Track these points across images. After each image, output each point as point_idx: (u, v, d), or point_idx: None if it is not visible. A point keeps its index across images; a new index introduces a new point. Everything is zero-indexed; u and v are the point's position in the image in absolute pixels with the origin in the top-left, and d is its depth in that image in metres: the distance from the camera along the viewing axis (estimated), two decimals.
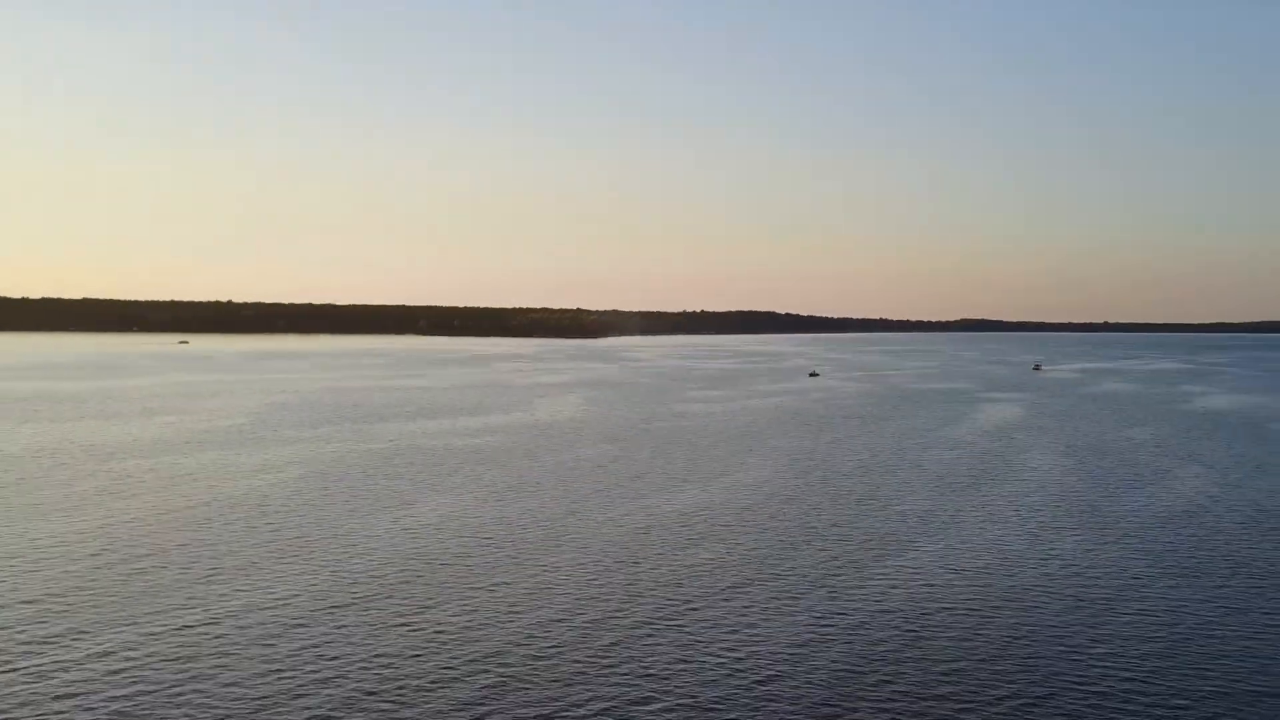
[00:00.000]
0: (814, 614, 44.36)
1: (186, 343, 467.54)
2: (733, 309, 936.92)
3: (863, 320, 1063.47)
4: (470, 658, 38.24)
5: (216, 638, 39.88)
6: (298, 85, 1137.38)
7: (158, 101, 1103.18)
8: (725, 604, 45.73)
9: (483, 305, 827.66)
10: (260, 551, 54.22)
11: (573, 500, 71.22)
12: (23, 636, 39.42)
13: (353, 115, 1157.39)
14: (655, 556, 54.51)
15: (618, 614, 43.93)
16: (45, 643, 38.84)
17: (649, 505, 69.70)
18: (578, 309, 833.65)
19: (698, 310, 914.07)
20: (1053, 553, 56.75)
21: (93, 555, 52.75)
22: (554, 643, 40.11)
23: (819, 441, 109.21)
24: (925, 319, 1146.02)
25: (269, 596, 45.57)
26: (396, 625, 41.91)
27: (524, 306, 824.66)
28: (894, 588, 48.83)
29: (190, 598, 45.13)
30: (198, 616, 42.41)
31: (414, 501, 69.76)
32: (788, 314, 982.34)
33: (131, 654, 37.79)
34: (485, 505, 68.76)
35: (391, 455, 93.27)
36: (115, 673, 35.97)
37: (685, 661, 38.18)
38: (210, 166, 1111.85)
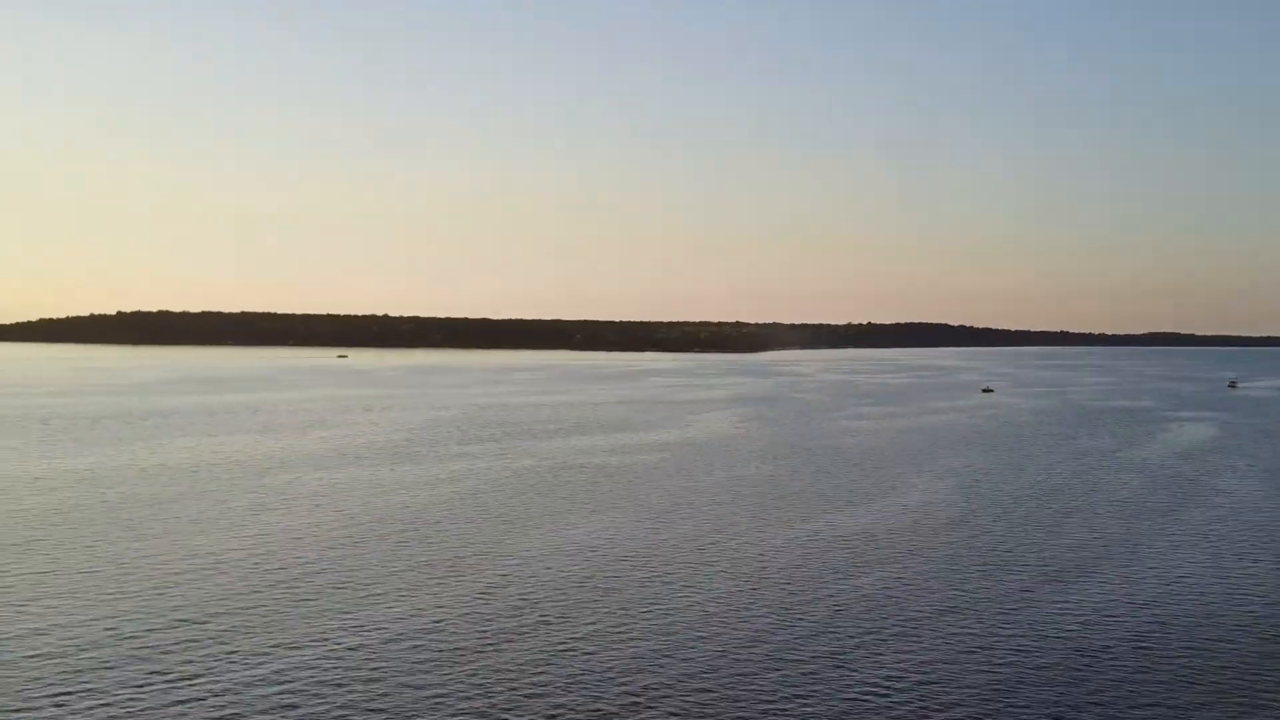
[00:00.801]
0: (981, 644, 43.25)
1: (345, 357, 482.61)
2: (901, 320, 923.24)
3: (1041, 333, 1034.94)
4: (623, 682, 38.41)
5: (371, 656, 40.96)
6: (468, 104, 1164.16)
7: (327, 121, 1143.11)
8: (889, 631, 44.95)
9: (638, 319, 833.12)
10: (413, 569, 55.51)
11: (728, 521, 71.01)
12: (178, 652, 41.11)
13: (507, 133, 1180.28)
14: (814, 582, 53.94)
15: (774, 640, 43.58)
16: (200, 659, 40.46)
17: (808, 528, 69.03)
18: (736, 322, 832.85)
19: (864, 322, 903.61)
20: (1247, 587, 54.18)
21: (248, 571, 54.79)
22: (708, 668, 40.01)
23: (991, 461, 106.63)
24: (1109, 332, 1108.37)
25: (422, 615, 46.59)
26: (547, 648, 42.38)
27: (680, 320, 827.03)
28: (1067, 619, 47.28)
29: (344, 615, 46.45)
30: (352, 635, 43.61)
31: (566, 520, 70.52)
32: (961, 326, 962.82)
33: (287, 672, 39.08)
34: (638, 525, 69.08)
35: (544, 473, 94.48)
36: (270, 692, 37.25)
37: (845, 690, 37.66)
38: (371, 182, 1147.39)
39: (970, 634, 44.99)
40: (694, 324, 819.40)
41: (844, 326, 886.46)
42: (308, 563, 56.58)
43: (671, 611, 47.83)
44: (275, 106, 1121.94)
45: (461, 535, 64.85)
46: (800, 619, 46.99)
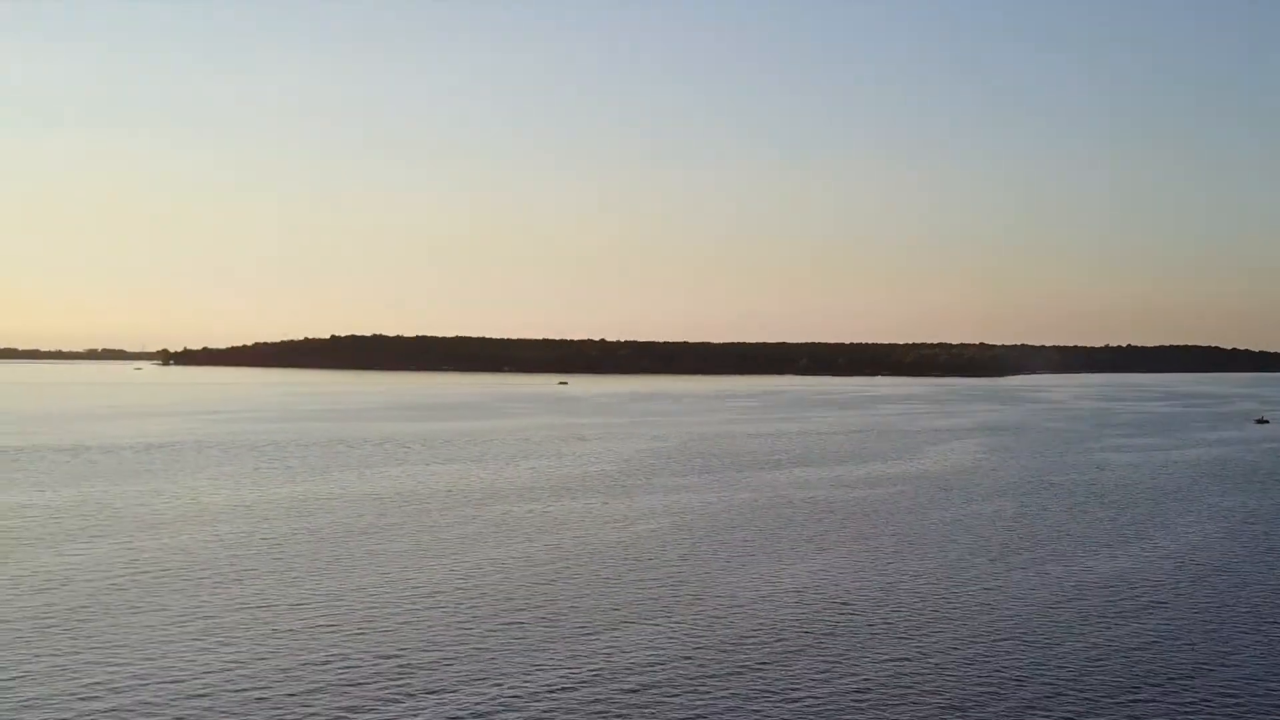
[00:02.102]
0: (1255, 702, 40.83)
1: (566, 383, 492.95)
2: (1166, 343, 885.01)
3: None
4: None
5: (581, 696, 41.53)
6: (673, 128, 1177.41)
7: (537, 145, 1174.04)
8: (1147, 693, 42.93)
9: (870, 341, 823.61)
10: (622, 608, 56.05)
11: (964, 564, 69.26)
12: (382, 690, 42.55)
13: (727, 151, 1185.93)
14: (1059, 634, 52.00)
15: (1014, 698, 42.18)
16: (408, 697, 41.78)
17: (1055, 572, 66.67)
18: (979, 344, 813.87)
19: (1123, 345, 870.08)
20: None
21: (459, 604, 56.30)
22: None
23: (1265, 502, 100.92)
24: None
25: (629, 655, 46.96)
26: (759, 694, 42.12)
27: (916, 342, 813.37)
28: None
29: (553, 654, 47.24)
30: (558, 673, 44.31)
31: (785, 559, 70.06)
32: (1235, 350, 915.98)
33: (495, 716, 39.95)
34: (865, 566, 68.07)
35: (763, 507, 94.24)
36: None
37: None
38: (583, 206, 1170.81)
39: (1235, 691, 42.56)
40: (932, 346, 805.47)
41: (1100, 349, 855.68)
42: (520, 598, 57.77)
43: (898, 663, 46.88)
44: (487, 130, 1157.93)
45: (674, 572, 65.19)
46: (1044, 674, 45.34)
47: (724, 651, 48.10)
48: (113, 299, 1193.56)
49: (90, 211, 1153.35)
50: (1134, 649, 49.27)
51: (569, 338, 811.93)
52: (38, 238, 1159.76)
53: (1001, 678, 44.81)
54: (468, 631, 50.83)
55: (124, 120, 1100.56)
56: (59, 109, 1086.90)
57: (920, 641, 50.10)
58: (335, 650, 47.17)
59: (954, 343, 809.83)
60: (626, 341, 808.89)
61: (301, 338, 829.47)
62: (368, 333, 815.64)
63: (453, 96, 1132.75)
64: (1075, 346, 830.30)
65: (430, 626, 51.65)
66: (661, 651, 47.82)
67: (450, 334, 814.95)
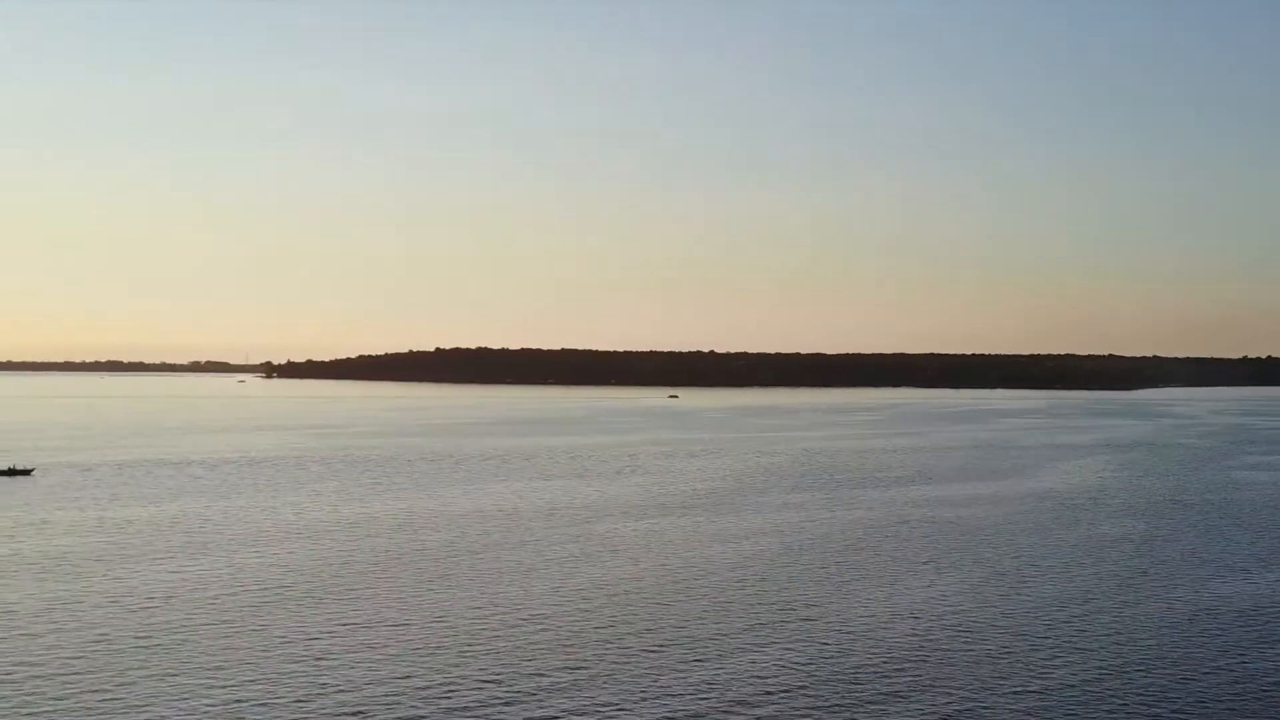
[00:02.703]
0: None
1: (676, 397, 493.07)
2: None
3: None
4: None
5: None
6: (776, 138, 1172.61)
7: (644, 155, 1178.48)
8: None
9: (994, 352, 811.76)
10: (736, 631, 55.78)
11: (1091, 589, 67.82)
12: (485, 716, 42.83)
13: (837, 162, 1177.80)
14: (1192, 665, 50.66)
15: None
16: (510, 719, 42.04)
17: (1186, 598, 65.01)
18: (1107, 355, 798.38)
19: (1263, 356, 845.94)
20: None
21: (561, 625, 56.53)
22: None
23: None
24: None
25: (746, 683, 46.71)
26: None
27: (1041, 353, 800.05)
28: None
29: (662, 679, 47.17)
30: (670, 700, 44.17)
31: (899, 581, 69.23)
32: None
33: None
34: (982, 589, 67.00)
35: (877, 526, 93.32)
36: None
37: None
38: (691, 215, 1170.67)
39: None
40: (1056, 356, 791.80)
41: (1238, 361, 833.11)
42: (624, 620, 57.81)
43: (1019, 695, 46.01)
44: (594, 142, 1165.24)
45: (784, 594, 64.76)
46: (1177, 707, 44.21)
47: (836, 679, 47.64)
48: (218, 311, 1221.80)
49: (194, 226, 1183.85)
50: (1274, 682, 47.83)
51: (678, 350, 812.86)
52: (143, 251, 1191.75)
53: (1130, 711, 43.77)
54: (571, 655, 51.01)
55: (229, 137, 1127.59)
56: (163, 127, 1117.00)
57: (1043, 671, 49.15)
58: (437, 672, 47.64)
59: (1079, 353, 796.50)
60: (738, 353, 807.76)
61: (406, 350, 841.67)
62: (473, 346, 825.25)
63: (559, 109, 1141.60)
64: (1211, 358, 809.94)
65: (534, 649, 51.92)
66: (771, 680, 47.52)
67: (556, 346, 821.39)
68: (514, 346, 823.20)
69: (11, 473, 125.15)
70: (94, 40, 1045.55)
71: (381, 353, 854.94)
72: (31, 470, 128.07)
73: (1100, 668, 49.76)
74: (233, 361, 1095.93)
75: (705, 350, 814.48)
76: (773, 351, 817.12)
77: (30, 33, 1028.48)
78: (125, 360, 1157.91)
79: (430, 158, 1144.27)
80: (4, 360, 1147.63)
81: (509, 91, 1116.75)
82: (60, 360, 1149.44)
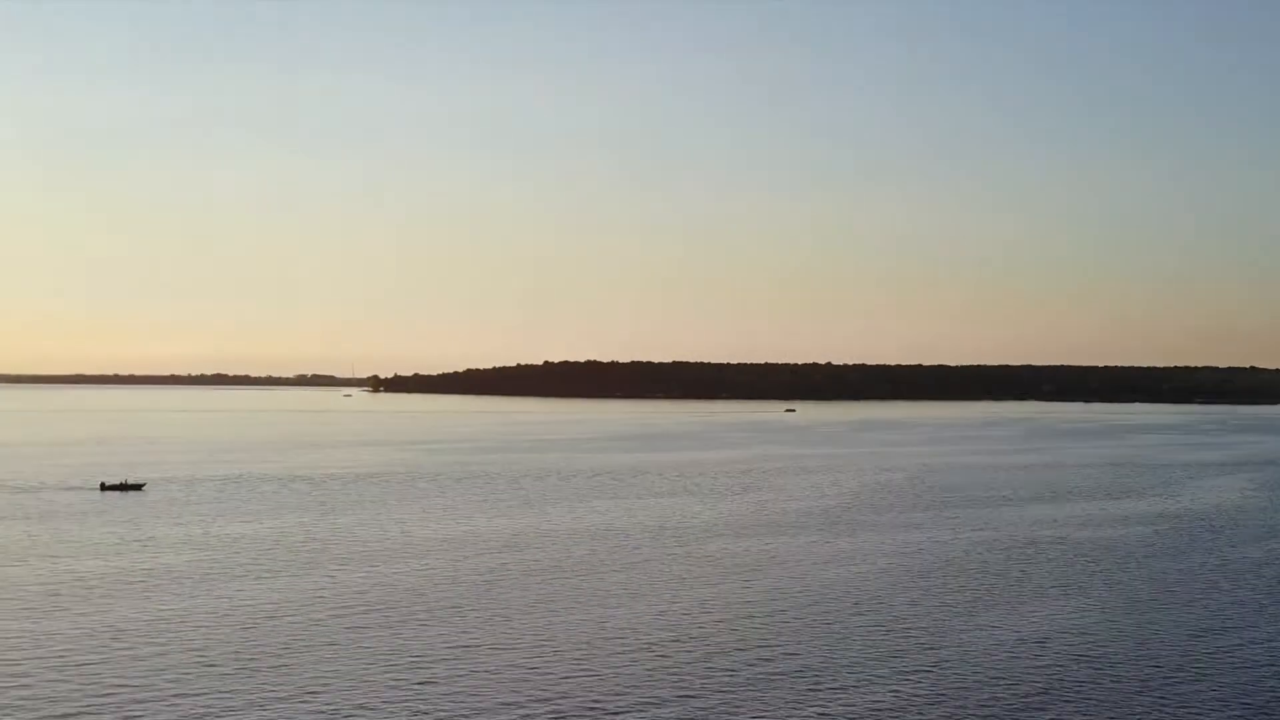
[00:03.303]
0: None
1: (794, 411, 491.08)
2: None
3: None
4: None
5: None
6: (889, 144, 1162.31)
7: (752, 164, 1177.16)
8: None
9: (1124, 364, 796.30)
10: (852, 657, 55.16)
11: (1230, 616, 65.96)
12: None
13: (943, 166, 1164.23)
14: None
15: None
16: None
17: None
18: (1249, 367, 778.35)
19: None
20: None
21: (668, 649, 56.30)
22: None
23: None
24: None
25: (860, 710, 46.21)
26: None
27: (1177, 365, 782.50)
28: None
29: (774, 708, 46.81)
30: None
31: (1029, 606, 67.97)
32: None
33: None
34: (1117, 614, 65.52)
35: (1001, 548, 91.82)
36: None
37: None
38: (805, 223, 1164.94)
39: None
40: (1195, 369, 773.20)
41: None
42: (735, 644, 57.41)
43: None
44: (702, 151, 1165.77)
45: (902, 619, 63.93)
46: None
47: (959, 711, 46.88)
48: (324, 324, 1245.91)
49: (301, 237, 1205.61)
50: None
51: (793, 361, 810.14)
52: (247, 264, 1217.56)
53: None
54: (679, 681, 50.80)
55: (335, 143, 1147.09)
56: (268, 137, 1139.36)
57: (1180, 705, 47.87)
58: (542, 697, 47.76)
59: (1220, 365, 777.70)
60: (855, 365, 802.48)
61: (514, 364, 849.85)
62: (582, 359, 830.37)
63: (664, 116, 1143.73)
64: None
65: (641, 674, 51.82)
66: (889, 712, 46.90)
67: (667, 359, 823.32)
68: (624, 360, 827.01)
69: (124, 487, 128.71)
70: (196, 38, 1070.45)
71: (489, 366, 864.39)
72: (143, 485, 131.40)
73: (1244, 703, 48.34)
74: (339, 375, 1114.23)
75: (822, 362, 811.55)
76: (892, 363, 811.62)
77: (154, 33, 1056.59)
78: (230, 374, 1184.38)
79: (543, 168, 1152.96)
80: (111, 373, 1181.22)
81: (634, 99, 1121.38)
82: (166, 374, 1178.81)
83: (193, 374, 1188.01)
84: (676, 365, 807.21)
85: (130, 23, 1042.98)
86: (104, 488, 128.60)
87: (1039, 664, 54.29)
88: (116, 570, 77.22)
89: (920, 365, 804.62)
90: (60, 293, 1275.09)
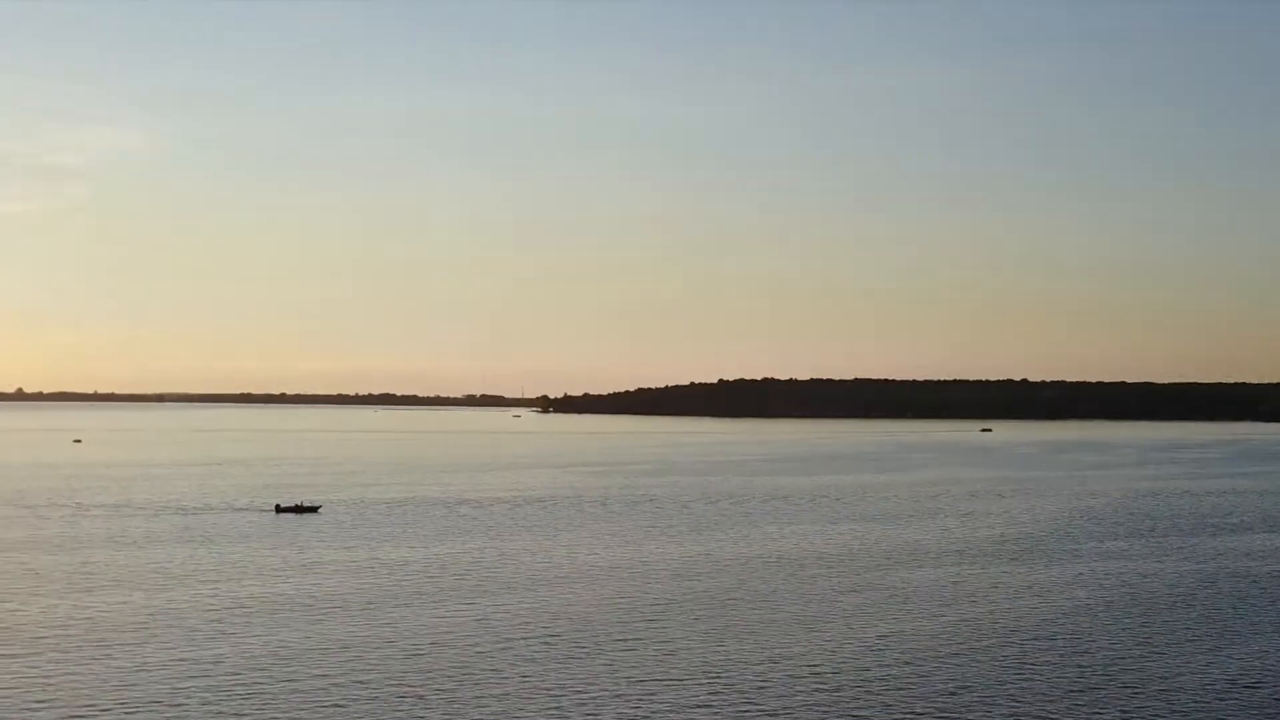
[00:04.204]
0: None
1: (990, 430, 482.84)
2: None
3: None
4: None
5: None
6: (1081, 155, 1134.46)
7: (930, 174, 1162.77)
8: None
9: None
10: (1048, 698, 54.09)
11: None
12: None
13: (1146, 177, 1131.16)
14: None
15: None
16: None
17: None
18: None
19: None
20: None
21: (846, 687, 55.87)
22: None
23: None
24: None
25: None
26: None
27: None
28: None
29: None
30: None
31: (1243, 643, 65.81)
32: None
33: None
34: None
35: (1215, 579, 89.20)
36: None
37: None
38: (997, 234, 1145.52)
39: None
40: None
41: None
42: (921, 682, 56.66)
43: None
44: (875, 160, 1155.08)
45: (1105, 656, 62.37)
46: None
47: None
48: (493, 344, 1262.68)
49: (469, 255, 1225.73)
50: None
51: (988, 379, 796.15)
52: (414, 281, 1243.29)
53: None
54: (860, 714, 50.48)
55: (504, 164, 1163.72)
56: (442, 154, 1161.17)
57: None
58: None
59: None
60: (1054, 382, 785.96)
61: (687, 383, 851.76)
62: (758, 376, 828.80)
63: (848, 128, 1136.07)
64: None
65: (816, 710, 51.57)
66: None
67: (848, 376, 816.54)
68: (802, 377, 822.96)
69: (299, 510, 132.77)
70: (351, 49, 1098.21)
71: (661, 385, 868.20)
72: (319, 507, 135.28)
73: None
74: (507, 395, 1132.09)
75: (1018, 379, 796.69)
76: (1093, 380, 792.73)
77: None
78: (398, 393, 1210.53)
79: (711, 179, 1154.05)
80: (278, 392, 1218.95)
81: (792, 106, 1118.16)
82: (335, 393, 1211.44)
83: (359, 393, 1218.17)
84: (858, 383, 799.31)
85: (291, 33, 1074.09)
86: (279, 510, 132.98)
87: (1251, 710, 52.55)
88: (283, 594, 79.71)
89: (1123, 382, 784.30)
90: (227, 311, 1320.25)
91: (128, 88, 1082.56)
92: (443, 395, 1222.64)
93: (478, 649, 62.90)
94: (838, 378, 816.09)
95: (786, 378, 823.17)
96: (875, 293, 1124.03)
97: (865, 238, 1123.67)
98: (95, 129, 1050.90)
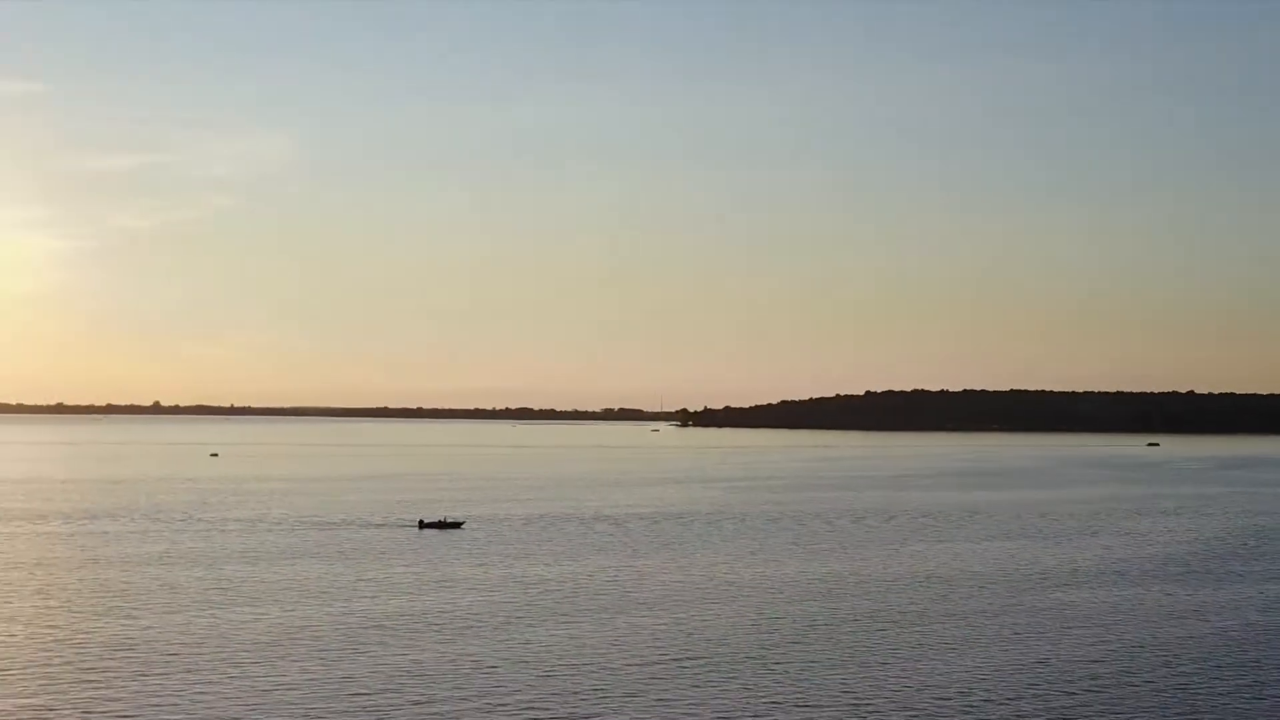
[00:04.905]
0: None
1: (1157, 445, 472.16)
2: None
3: None
4: None
5: None
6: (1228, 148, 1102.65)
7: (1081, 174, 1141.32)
8: None
9: None
10: None
11: None
12: None
13: None
14: None
15: None
16: None
17: None
18: None
19: None
20: None
21: (999, 713, 55.20)
22: None
23: None
24: None
25: None
26: None
27: None
28: None
29: None
30: None
31: None
32: None
33: None
34: None
35: None
36: None
37: None
38: (1158, 241, 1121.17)
39: None
40: None
41: None
42: (1077, 709, 55.80)
43: None
44: (1017, 161, 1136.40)
45: (1269, 687, 60.82)
46: None
47: None
48: (630, 355, 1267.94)
49: (609, 266, 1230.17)
50: None
51: (1152, 390, 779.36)
52: (553, 294, 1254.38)
53: None
54: None
55: (649, 173, 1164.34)
56: (587, 160, 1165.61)
57: None
58: None
59: None
60: (1222, 394, 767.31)
61: (833, 395, 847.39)
62: (907, 388, 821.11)
63: (985, 125, 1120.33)
64: None
65: None
66: None
67: (1003, 388, 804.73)
68: (954, 388, 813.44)
69: (443, 525, 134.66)
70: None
71: (805, 398, 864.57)
72: (462, 524, 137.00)
73: None
74: (646, 409, 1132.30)
75: (1182, 390, 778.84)
76: (1265, 392, 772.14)
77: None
78: (536, 408, 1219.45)
79: (846, 178, 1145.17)
80: (414, 406, 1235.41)
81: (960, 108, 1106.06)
82: (471, 408, 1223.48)
83: (496, 407, 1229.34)
84: (1013, 394, 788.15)
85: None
86: (422, 525, 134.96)
87: None
88: (421, 610, 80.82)
89: None
90: (364, 323, 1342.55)
91: (272, 96, 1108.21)
92: (580, 409, 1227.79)
93: (612, 669, 63.09)
94: (991, 389, 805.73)
95: (937, 389, 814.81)
96: (1033, 300, 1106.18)
97: (1016, 241, 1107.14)
98: (241, 139, 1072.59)
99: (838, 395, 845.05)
